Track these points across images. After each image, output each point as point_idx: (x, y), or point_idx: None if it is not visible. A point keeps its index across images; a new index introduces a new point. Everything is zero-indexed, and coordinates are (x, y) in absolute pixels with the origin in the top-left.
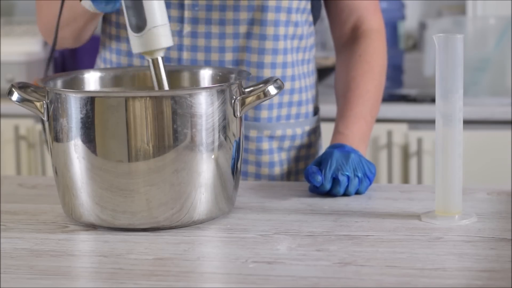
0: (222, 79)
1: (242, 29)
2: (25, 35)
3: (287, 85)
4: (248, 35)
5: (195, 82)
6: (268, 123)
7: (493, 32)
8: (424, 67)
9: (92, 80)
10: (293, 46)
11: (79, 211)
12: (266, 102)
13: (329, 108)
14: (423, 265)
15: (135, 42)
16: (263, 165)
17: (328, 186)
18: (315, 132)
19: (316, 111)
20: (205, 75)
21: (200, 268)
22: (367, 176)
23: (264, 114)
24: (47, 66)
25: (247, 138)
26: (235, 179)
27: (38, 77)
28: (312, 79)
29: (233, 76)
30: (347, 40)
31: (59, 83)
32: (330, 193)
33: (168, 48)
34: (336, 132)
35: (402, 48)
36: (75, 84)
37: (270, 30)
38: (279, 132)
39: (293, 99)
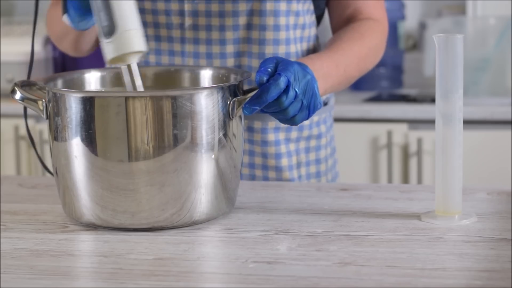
0: (223, 80)
1: (242, 20)
2: (25, 35)
3: None
4: (249, 26)
5: (195, 83)
6: None
7: (493, 32)
8: (424, 67)
9: (92, 80)
10: (296, 36)
11: (79, 211)
12: None
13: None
14: (423, 265)
15: (108, 49)
16: (269, 157)
17: (265, 78)
18: (325, 122)
19: (325, 101)
20: (206, 76)
21: (200, 268)
22: (309, 108)
23: None
24: (29, 72)
25: (251, 129)
26: (235, 179)
27: (37, 78)
28: None
29: (233, 76)
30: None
31: (59, 83)
32: (266, 99)
33: (171, 41)
34: (306, 56)
35: (402, 48)
36: (76, 84)
37: (270, 20)
38: None
39: None
